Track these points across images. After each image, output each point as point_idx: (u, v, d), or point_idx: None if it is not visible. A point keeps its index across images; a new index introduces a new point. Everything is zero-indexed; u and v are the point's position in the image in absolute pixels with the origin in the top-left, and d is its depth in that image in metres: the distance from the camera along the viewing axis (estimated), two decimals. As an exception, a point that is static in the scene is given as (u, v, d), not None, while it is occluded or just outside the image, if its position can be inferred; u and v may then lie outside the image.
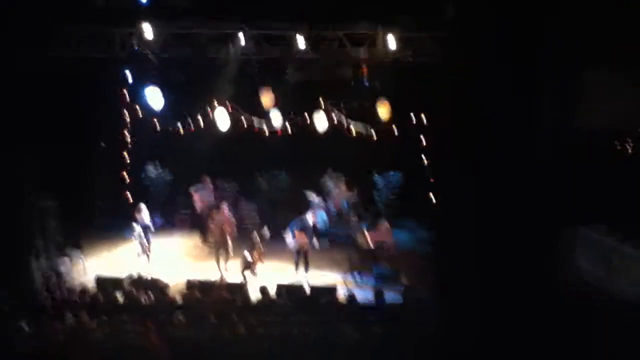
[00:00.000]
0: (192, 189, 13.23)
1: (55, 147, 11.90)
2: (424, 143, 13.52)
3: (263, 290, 8.86)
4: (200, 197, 13.13)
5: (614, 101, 9.12)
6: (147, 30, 10.80)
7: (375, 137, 13.68)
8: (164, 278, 9.90)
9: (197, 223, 13.26)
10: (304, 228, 10.82)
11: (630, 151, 11.45)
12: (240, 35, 11.00)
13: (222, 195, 13.31)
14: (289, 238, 10.96)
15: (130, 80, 12.76)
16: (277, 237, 12.61)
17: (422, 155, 13.48)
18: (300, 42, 10.94)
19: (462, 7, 10.61)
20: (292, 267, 11.07)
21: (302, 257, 10.81)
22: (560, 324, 7.89)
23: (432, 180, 12.97)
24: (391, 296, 9.35)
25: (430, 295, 9.12)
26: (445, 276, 9.43)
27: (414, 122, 13.54)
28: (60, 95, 11.65)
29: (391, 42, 10.93)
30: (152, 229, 11.50)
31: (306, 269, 10.82)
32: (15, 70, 10.05)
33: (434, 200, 12.53)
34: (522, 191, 9.80)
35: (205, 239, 12.95)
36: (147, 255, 11.04)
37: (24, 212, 10.11)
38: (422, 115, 13.40)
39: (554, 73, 9.67)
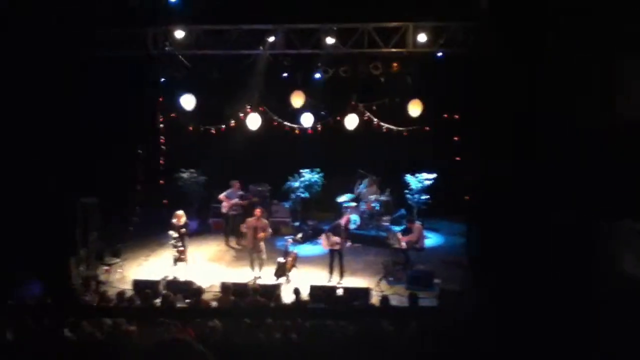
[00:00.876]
0: (221, 195, 13.36)
1: (92, 153, 12.24)
2: (457, 140, 13.30)
3: (296, 292, 8.87)
4: (229, 202, 13.25)
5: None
6: (178, 30, 10.92)
7: (407, 135, 13.54)
8: (199, 282, 10.03)
9: (228, 226, 13.36)
10: (337, 230, 10.76)
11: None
12: (271, 32, 11.02)
13: (254, 199, 13.41)
14: (323, 241, 10.92)
15: (162, 80, 12.94)
16: (310, 240, 12.65)
17: (456, 153, 13.26)
18: (329, 37, 10.86)
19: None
20: (325, 272, 11.04)
21: (336, 259, 10.74)
22: (602, 320, 7.65)
23: (466, 179, 12.76)
24: (426, 299, 9.24)
25: (466, 298, 8.96)
26: (482, 278, 9.27)
27: (447, 118, 13.32)
28: (96, 99, 11.96)
29: (421, 35, 10.76)
30: (189, 235, 11.60)
31: (341, 272, 10.76)
32: (51, 74, 10.35)
33: (468, 200, 12.33)
34: (560, 185, 9.55)
35: (228, 242, 13.11)
36: (185, 261, 11.16)
37: (69, 219, 10.39)
38: (455, 112, 13.18)
39: (592, 61, 9.38)
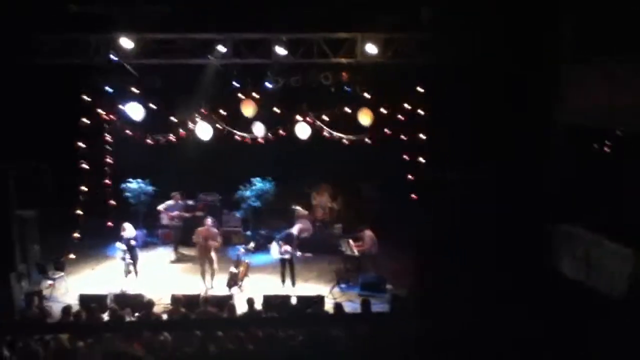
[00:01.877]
0: (160, 207, 13.13)
1: (34, 164, 11.80)
2: (407, 148, 13.58)
3: (250, 301, 8.80)
4: (169, 215, 13.05)
5: (594, 98, 9.23)
6: (124, 38, 10.71)
7: (357, 144, 13.71)
8: (149, 294, 9.79)
9: (178, 237, 13.15)
10: (288, 238, 10.77)
11: (608, 150, 11.65)
12: (220, 42, 10.96)
13: (198, 213, 13.23)
14: (274, 249, 10.89)
15: (109, 90, 12.63)
16: (262, 248, 12.58)
17: (405, 160, 13.52)
18: (279, 47, 10.92)
19: (441, 8, 10.77)
20: (277, 280, 11.02)
21: (287, 268, 10.74)
22: (546, 320, 7.97)
23: (416, 184, 13.06)
24: (378, 305, 9.35)
25: (416, 302, 9.14)
26: (432, 281, 9.48)
27: (397, 127, 13.58)
28: (38, 107, 11.56)
29: (370, 45, 10.96)
30: (138, 247, 11.34)
31: (293, 281, 10.76)
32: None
33: (418, 205, 12.62)
34: (507, 189, 9.93)
35: (177, 250, 12.93)
36: (135, 273, 10.91)
37: (8, 234, 9.94)
38: (404, 119, 13.46)
39: (530, 68, 9.82)
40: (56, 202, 12.51)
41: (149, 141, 13.78)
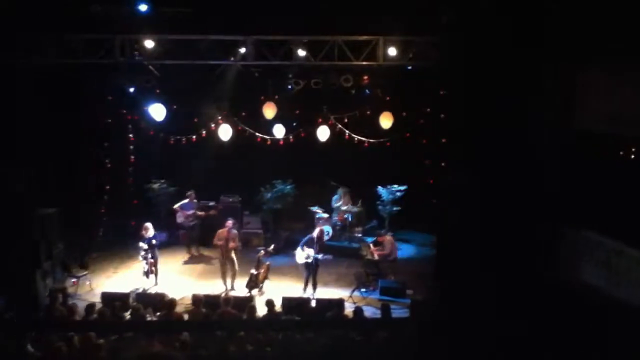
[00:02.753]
0: (176, 205, 13.25)
1: (58, 164, 12.01)
2: (427, 150, 13.52)
3: (269, 304, 8.83)
4: (183, 214, 13.15)
5: (616, 103, 9.07)
6: (147, 39, 10.86)
7: (377, 147, 13.69)
8: (170, 294, 9.89)
9: (192, 236, 13.26)
10: (310, 243, 10.75)
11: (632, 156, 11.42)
12: (241, 43, 11.04)
13: (212, 212, 13.33)
14: (298, 254, 10.87)
15: (131, 90, 12.78)
16: (282, 251, 12.63)
17: (425, 164, 13.46)
18: (300, 49, 10.97)
19: (460, 10, 10.70)
20: (297, 283, 11.03)
21: (311, 272, 10.72)
22: (563, 327, 7.86)
23: (435, 189, 12.98)
24: (398, 310, 9.31)
25: (436, 307, 9.07)
26: (451, 286, 9.41)
27: (417, 130, 13.54)
28: (61, 107, 11.76)
29: (391, 48, 10.96)
30: (158, 246, 11.45)
31: (314, 285, 10.72)
32: (15, 80, 10.13)
33: (437, 209, 12.52)
34: (523, 194, 9.81)
35: (193, 250, 13.03)
36: (155, 273, 11.02)
37: (31, 231, 10.11)
38: (424, 123, 13.41)
39: (554, 73, 9.69)
40: (80, 201, 12.75)
41: (170, 142, 13.93)
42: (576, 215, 9.54)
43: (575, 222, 9.63)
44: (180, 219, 13.24)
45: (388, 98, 12.79)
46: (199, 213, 13.17)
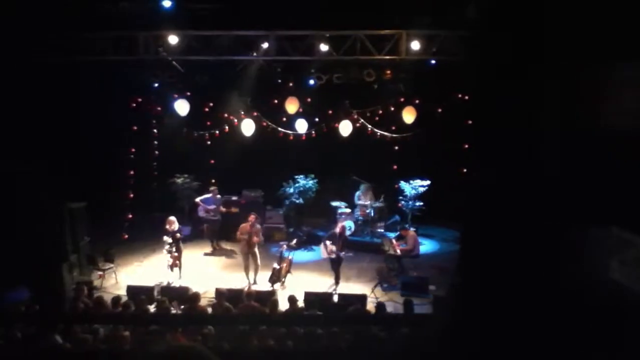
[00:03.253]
0: (198, 199, 13.34)
1: (83, 158, 12.21)
2: (451, 146, 13.39)
3: (292, 299, 8.86)
4: (205, 208, 13.25)
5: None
6: (171, 35, 10.94)
7: (400, 142, 13.60)
8: (193, 287, 10.00)
9: (214, 230, 13.37)
10: (333, 238, 10.77)
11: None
12: (263, 38, 11.05)
13: (234, 209, 13.39)
14: (322, 250, 10.90)
15: (155, 85, 12.91)
16: (304, 245, 12.66)
17: (448, 160, 13.34)
18: (322, 44, 10.92)
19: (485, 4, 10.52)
20: (319, 278, 11.05)
21: (334, 267, 10.73)
22: (592, 326, 7.70)
23: (459, 184, 12.83)
24: (420, 306, 9.25)
25: (458, 304, 8.99)
26: (474, 284, 9.31)
27: (440, 123, 13.41)
28: (87, 103, 11.95)
29: (414, 42, 10.83)
30: (182, 240, 11.57)
31: (337, 280, 10.73)
32: (39, 78, 10.31)
33: (461, 205, 12.38)
34: (552, 190, 9.64)
35: (215, 244, 13.13)
36: (179, 267, 11.15)
37: (59, 224, 10.31)
38: (448, 117, 13.27)
39: (582, 68, 9.47)
40: (106, 195, 12.97)
41: (194, 137, 14.05)
42: (604, 214, 9.35)
43: (604, 221, 9.44)
44: (201, 212, 13.36)
45: (411, 93, 12.67)
46: (221, 209, 13.28)
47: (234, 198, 13.95)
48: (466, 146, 12.31)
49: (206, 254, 12.98)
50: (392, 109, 13.19)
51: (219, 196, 13.44)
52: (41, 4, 10.09)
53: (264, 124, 13.71)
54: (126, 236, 13.40)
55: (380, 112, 13.67)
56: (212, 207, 13.23)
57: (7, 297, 8.94)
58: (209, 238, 13.40)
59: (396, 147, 13.68)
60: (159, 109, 13.97)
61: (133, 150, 13.85)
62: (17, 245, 9.54)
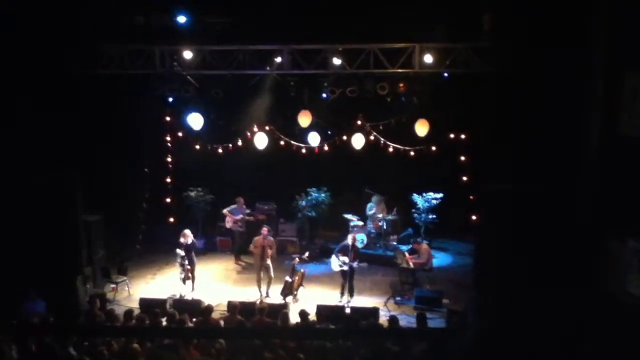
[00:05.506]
0: (225, 210, 13.39)
1: (99, 171, 12.34)
2: (463, 159, 13.38)
3: (303, 313, 8.81)
4: (232, 219, 13.28)
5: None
6: (186, 50, 11.07)
7: (413, 155, 13.58)
8: (206, 300, 10.00)
9: (235, 244, 13.40)
10: (345, 250, 10.71)
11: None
12: (277, 52, 11.14)
13: (261, 217, 13.43)
14: (333, 262, 10.85)
15: (170, 99, 13.06)
16: (317, 258, 12.62)
17: (462, 172, 13.33)
18: (336, 58, 10.97)
19: (499, 17, 10.52)
20: (332, 291, 11.00)
21: (347, 280, 10.66)
22: (611, 337, 7.58)
23: (472, 198, 12.77)
24: (434, 319, 9.17)
25: (474, 317, 8.89)
26: (489, 297, 9.20)
27: (453, 138, 13.40)
28: (102, 116, 12.09)
29: (427, 56, 10.86)
30: (195, 253, 11.58)
31: (350, 292, 10.65)
32: (58, 90, 10.47)
33: (475, 219, 12.30)
34: (567, 204, 9.51)
35: (238, 258, 13.11)
36: (192, 280, 11.16)
37: (75, 237, 10.39)
38: (461, 131, 13.28)
39: (599, 80, 9.40)
40: (121, 208, 13.07)
41: (208, 150, 14.14)
42: (623, 225, 9.21)
43: (622, 232, 9.30)
44: (229, 224, 13.38)
45: (424, 106, 12.67)
46: (248, 218, 13.30)
47: (247, 210, 13.97)
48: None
49: (221, 269, 12.91)
50: (405, 121, 13.17)
51: (244, 207, 13.48)
52: (61, 16, 10.30)
53: (277, 137, 13.77)
54: (138, 246, 13.45)
55: (394, 124, 13.66)
56: (239, 217, 13.26)
57: (25, 308, 9.02)
58: (233, 252, 13.36)
59: (410, 158, 13.64)
60: (172, 122, 14.09)
61: (147, 164, 13.96)
62: (34, 258, 9.65)
